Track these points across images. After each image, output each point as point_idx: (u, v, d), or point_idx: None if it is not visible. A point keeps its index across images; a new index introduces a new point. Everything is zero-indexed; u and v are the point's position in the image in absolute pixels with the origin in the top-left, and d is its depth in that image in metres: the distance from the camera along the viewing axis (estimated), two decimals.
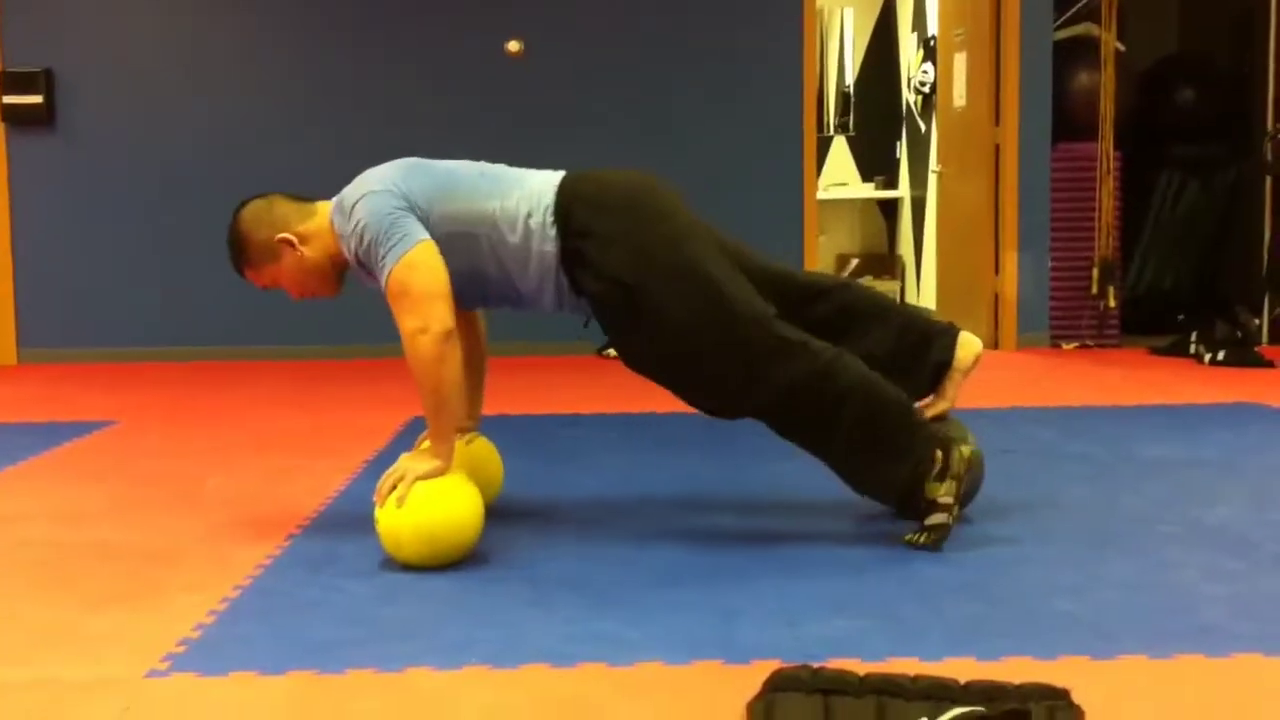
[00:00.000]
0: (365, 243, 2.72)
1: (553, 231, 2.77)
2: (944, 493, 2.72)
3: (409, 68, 6.37)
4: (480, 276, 2.81)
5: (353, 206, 2.75)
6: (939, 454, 2.72)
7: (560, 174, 2.88)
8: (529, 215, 2.78)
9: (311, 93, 6.40)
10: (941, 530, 2.73)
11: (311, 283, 2.90)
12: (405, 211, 2.73)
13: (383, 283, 2.71)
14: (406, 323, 2.67)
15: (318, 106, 6.38)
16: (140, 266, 6.40)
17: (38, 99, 6.27)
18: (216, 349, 6.36)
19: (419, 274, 2.69)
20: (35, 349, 6.41)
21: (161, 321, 6.41)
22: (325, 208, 2.87)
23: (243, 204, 2.90)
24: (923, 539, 2.74)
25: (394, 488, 2.66)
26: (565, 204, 2.79)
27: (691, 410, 2.95)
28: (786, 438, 2.89)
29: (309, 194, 2.96)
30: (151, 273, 6.40)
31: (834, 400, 2.75)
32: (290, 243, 2.83)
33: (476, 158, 2.98)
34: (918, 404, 2.99)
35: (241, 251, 2.87)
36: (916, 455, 2.74)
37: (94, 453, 4.05)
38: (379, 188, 2.77)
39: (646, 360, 2.85)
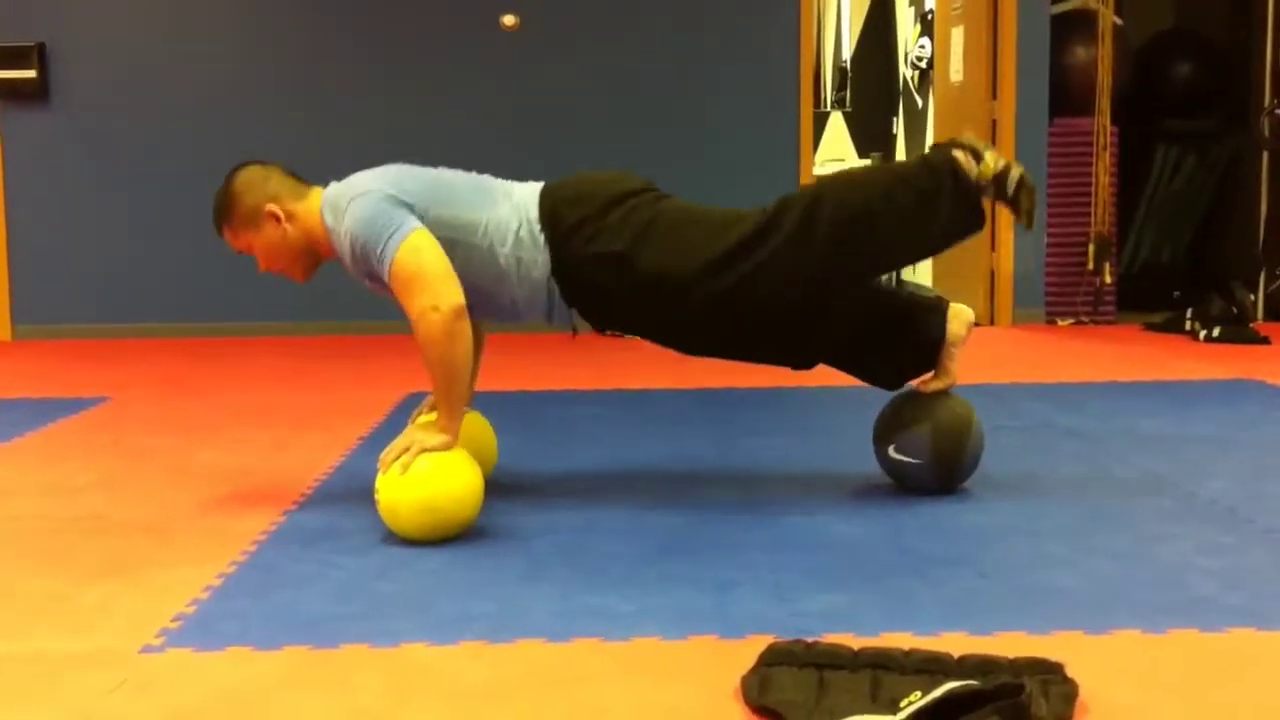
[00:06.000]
0: (361, 240, 2.72)
1: (542, 239, 2.80)
2: (992, 161, 2.76)
3: (408, 40, 6.33)
4: (471, 286, 2.79)
5: (346, 207, 2.75)
6: (956, 152, 2.78)
7: (540, 184, 2.91)
8: (519, 227, 2.81)
9: (308, 66, 6.36)
10: (1027, 182, 2.76)
11: (284, 260, 2.89)
12: (399, 205, 2.74)
13: (386, 272, 2.70)
14: (416, 303, 2.67)
15: (315, 79, 6.34)
16: (135, 242, 6.38)
17: (31, 73, 6.24)
18: (211, 325, 6.35)
19: (424, 255, 2.69)
20: (29, 325, 6.39)
21: (156, 298, 6.39)
22: (318, 195, 2.86)
23: (241, 165, 2.90)
24: (1024, 201, 2.77)
25: (399, 457, 2.66)
26: (549, 209, 2.82)
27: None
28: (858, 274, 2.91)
29: (306, 169, 2.95)
30: (146, 249, 6.38)
31: (864, 219, 2.76)
32: (276, 216, 2.83)
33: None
34: (915, 381, 3.00)
35: (227, 210, 2.86)
36: (944, 170, 2.77)
37: (88, 428, 4.05)
38: (373, 188, 2.77)
39: (688, 325, 2.86)
